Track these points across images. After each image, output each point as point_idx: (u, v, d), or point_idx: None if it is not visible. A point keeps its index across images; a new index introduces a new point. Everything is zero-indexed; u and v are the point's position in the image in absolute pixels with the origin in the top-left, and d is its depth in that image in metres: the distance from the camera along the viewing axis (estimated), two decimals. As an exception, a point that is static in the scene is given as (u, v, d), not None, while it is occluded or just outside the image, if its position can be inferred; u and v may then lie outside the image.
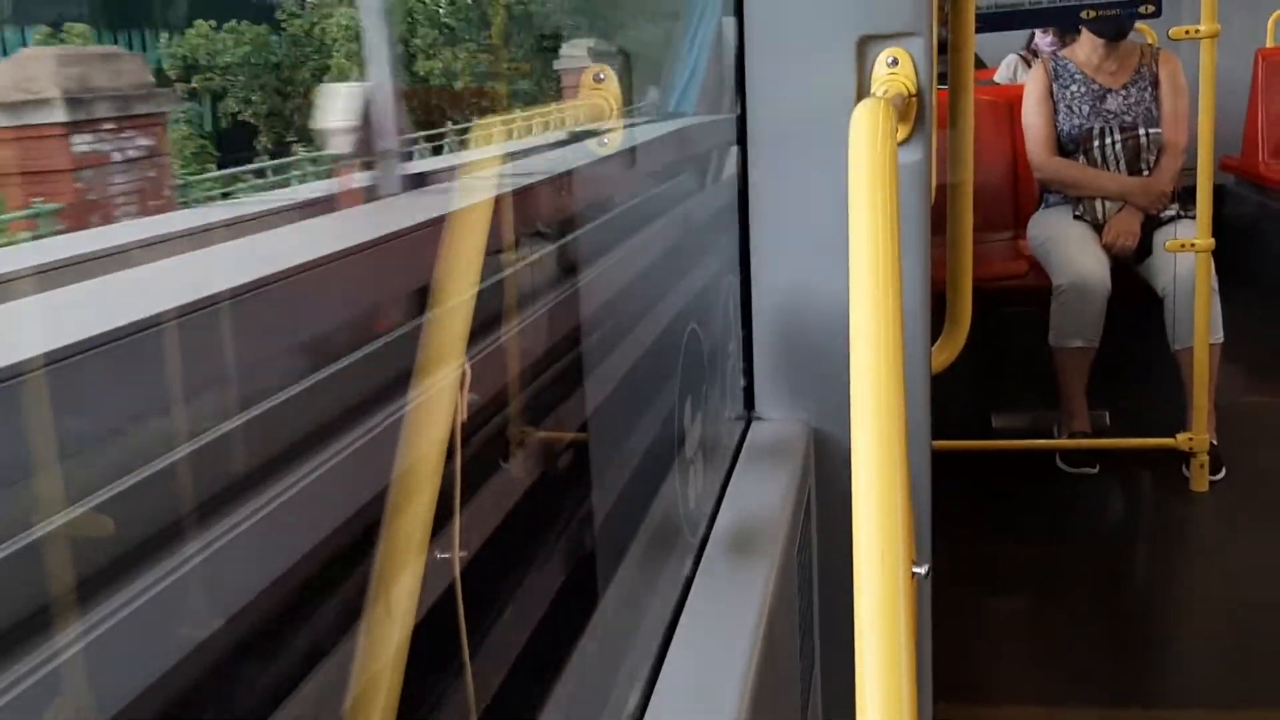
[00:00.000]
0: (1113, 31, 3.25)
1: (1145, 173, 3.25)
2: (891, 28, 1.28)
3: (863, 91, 1.29)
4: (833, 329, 1.31)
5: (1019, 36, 4.57)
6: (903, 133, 1.28)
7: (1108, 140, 3.26)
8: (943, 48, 1.79)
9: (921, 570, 0.76)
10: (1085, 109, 3.28)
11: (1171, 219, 3.19)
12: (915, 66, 1.28)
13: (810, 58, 1.31)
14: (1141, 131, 3.25)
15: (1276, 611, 2.43)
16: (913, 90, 1.27)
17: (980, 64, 4.08)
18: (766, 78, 1.34)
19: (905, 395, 0.73)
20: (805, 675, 1.28)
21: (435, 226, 0.80)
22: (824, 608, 1.37)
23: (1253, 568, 2.62)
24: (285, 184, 0.90)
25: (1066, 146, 3.31)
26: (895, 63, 1.29)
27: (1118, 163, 3.26)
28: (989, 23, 2.95)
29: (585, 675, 0.91)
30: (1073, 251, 3.15)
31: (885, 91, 1.22)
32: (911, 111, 1.29)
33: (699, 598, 1.00)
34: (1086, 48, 3.33)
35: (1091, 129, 3.26)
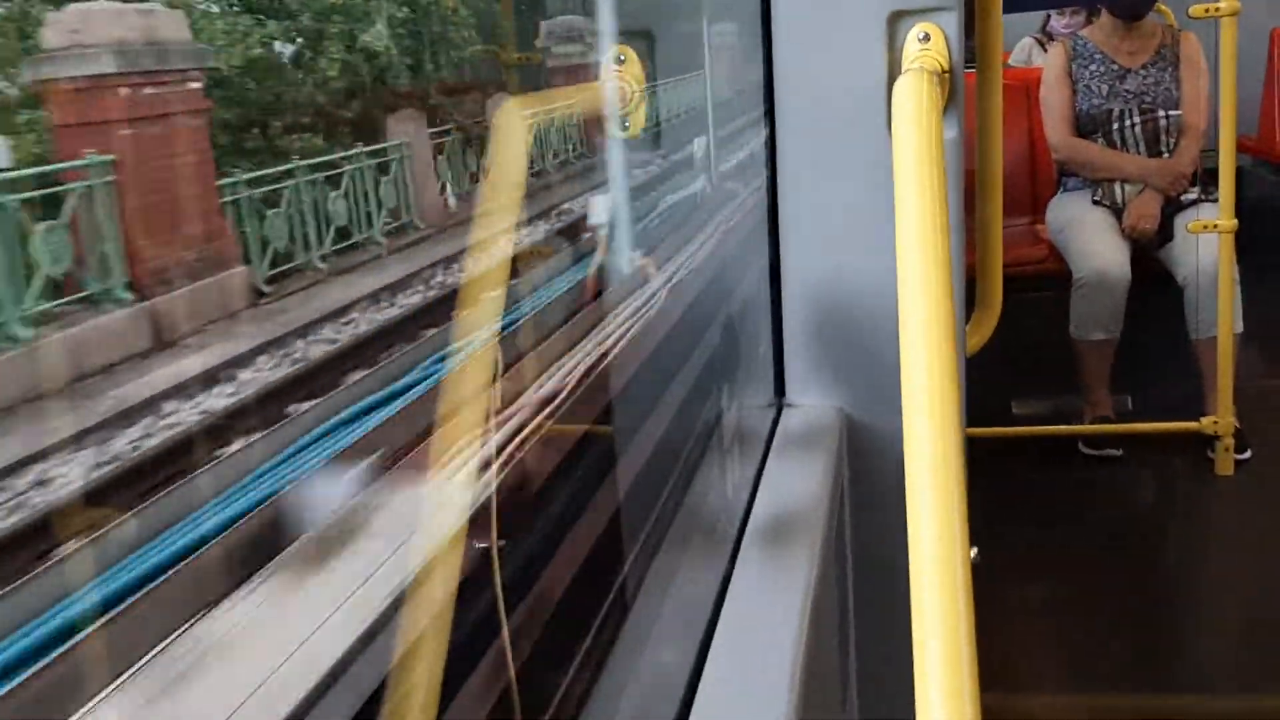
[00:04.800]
0: (1130, 11, 3.21)
1: (1165, 155, 3.21)
2: (923, 2, 1.25)
3: (894, 68, 1.26)
4: (868, 312, 1.28)
5: (1034, 20, 4.53)
6: None
7: (1127, 122, 3.21)
8: (967, 30, 1.76)
9: (973, 556, 0.73)
10: (1104, 89, 3.24)
11: (1193, 203, 3.15)
12: (947, 42, 1.25)
13: (839, 35, 1.27)
14: (1161, 113, 3.21)
15: None
16: (946, 67, 1.24)
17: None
18: (794, 57, 1.30)
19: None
20: (842, 666, 1.25)
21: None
22: (859, 596, 1.34)
23: None
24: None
25: (1085, 127, 3.27)
26: (926, 38, 1.25)
27: (1137, 144, 3.22)
28: (1008, 4, 2.91)
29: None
30: (1092, 242, 3.11)
31: (920, 68, 1.19)
32: (944, 89, 1.25)
33: (740, 589, 0.97)
34: (1107, 27, 3.28)
35: (1110, 110, 3.22)
